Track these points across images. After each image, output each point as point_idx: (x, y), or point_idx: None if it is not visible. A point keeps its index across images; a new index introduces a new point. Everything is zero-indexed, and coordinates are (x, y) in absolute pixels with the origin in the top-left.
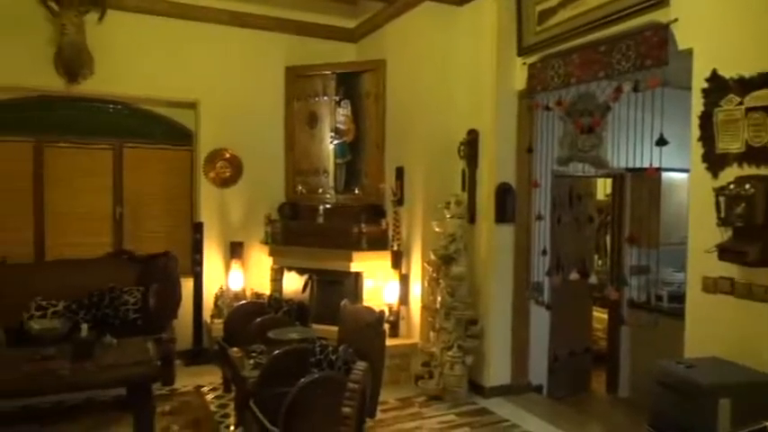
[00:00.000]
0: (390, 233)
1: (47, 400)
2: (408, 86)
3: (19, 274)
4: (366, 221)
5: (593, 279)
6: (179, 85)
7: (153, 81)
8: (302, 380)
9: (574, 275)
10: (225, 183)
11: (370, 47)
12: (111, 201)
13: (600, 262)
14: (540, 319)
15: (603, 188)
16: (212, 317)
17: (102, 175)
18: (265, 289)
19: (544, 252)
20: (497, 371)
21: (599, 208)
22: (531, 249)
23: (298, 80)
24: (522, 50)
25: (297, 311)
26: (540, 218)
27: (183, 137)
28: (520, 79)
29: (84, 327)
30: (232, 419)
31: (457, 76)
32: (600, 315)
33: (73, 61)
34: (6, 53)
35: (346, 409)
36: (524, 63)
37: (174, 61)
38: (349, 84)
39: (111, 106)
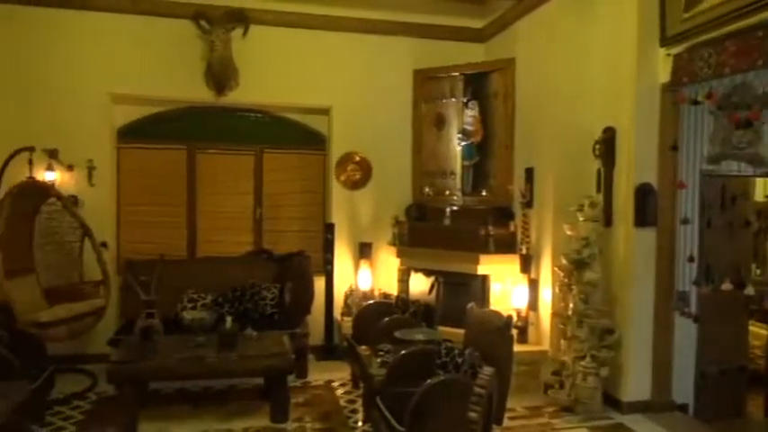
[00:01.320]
0: (519, 236)
1: (197, 384)
2: (539, 85)
3: (175, 270)
4: (494, 224)
5: (749, 290)
6: (314, 93)
7: (290, 89)
8: (428, 381)
9: (727, 285)
10: (355, 185)
11: (498, 46)
12: (252, 202)
13: (758, 271)
14: (685, 332)
15: (763, 189)
16: (342, 315)
17: (245, 178)
18: (392, 289)
19: (691, 259)
20: (636, 385)
21: (757, 210)
22: (676, 255)
23: (425, 82)
24: (666, 40)
25: (423, 313)
26: (686, 221)
27: (316, 141)
28: (663, 71)
29: (229, 319)
30: (360, 415)
31: (592, 72)
32: (758, 331)
33: (221, 74)
34: (166, 70)
35: (472, 414)
36: (668, 54)
37: (309, 70)
38: (477, 84)
39: (253, 115)
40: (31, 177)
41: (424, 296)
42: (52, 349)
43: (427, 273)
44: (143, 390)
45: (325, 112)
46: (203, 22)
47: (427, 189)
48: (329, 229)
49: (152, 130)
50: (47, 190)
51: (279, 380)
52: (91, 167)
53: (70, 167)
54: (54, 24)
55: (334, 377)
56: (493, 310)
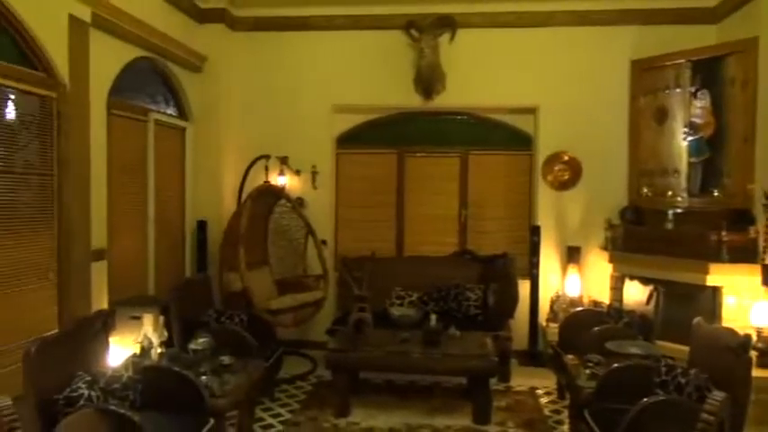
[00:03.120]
0: (761, 243)
1: (403, 378)
2: None
3: (384, 267)
4: (728, 228)
5: None
6: (520, 92)
7: (496, 90)
8: (645, 399)
9: None
10: (563, 186)
11: (735, 26)
12: (457, 204)
13: None
14: None
15: None
16: (547, 320)
17: (451, 180)
18: (603, 297)
19: None
20: None
21: None
22: None
23: (644, 73)
24: None
25: (639, 324)
26: None
27: (522, 142)
28: None
29: (433, 317)
30: (566, 427)
31: None
32: None
33: (429, 80)
34: (379, 80)
35: None
36: None
37: (515, 69)
38: (707, 71)
39: (459, 117)
40: (267, 182)
41: (641, 306)
42: (281, 334)
43: (644, 281)
44: (355, 377)
45: (531, 111)
46: (413, 31)
47: (645, 189)
48: (535, 231)
49: (366, 136)
50: (279, 193)
51: (481, 381)
52: (314, 172)
53: (297, 172)
54: (282, 46)
55: (537, 384)
56: (726, 328)
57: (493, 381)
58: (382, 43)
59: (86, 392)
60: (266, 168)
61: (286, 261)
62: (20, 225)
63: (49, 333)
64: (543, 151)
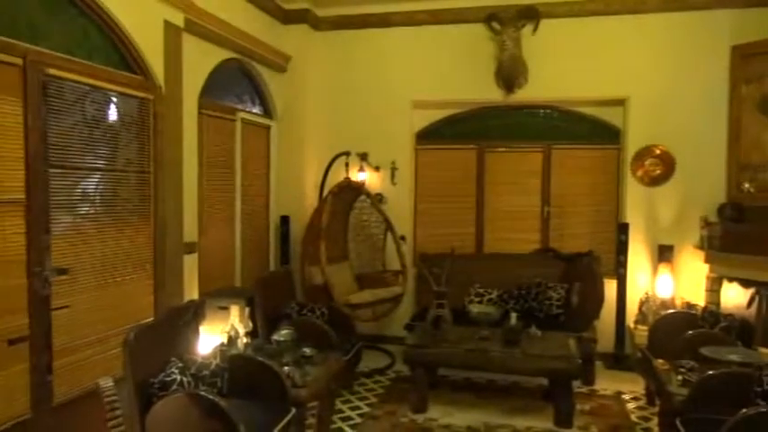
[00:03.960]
0: None
1: (481, 376)
2: None
3: (463, 264)
4: None
5: None
6: (607, 83)
7: (581, 82)
8: (744, 410)
9: None
10: (654, 181)
11: None
12: (539, 200)
13: None
14: None
15: None
16: (635, 322)
17: (532, 176)
18: (698, 299)
19: None
20: None
21: None
22: None
23: (747, 60)
24: None
25: (738, 330)
26: None
27: (609, 135)
28: None
29: (513, 316)
30: None
31: None
32: None
33: (510, 73)
34: (459, 74)
35: None
36: None
37: (602, 59)
38: None
39: (542, 111)
40: (347, 178)
41: (741, 310)
42: (360, 328)
43: (745, 283)
44: (433, 373)
45: (620, 103)
46: (495, 24)
47: (747, 185)
48: (623, 229)
49: (445, 131)
50: (359, 189)
51: (563, 383)
52: (393, 168)
53: (377, 169)
54: (363, 43)
55: (624, 389)
56: None
57: (576, 383)
58: (462, 37)
59: (179, 378)
60: (347, 165)
61: (365, 256)
62: (120, 219)
63: (145, 321)
64: (633, 145)
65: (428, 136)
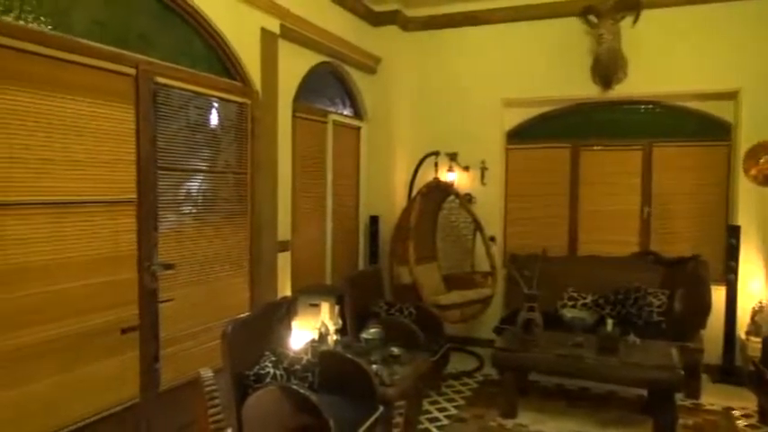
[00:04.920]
0: None
1: (574, 384)
2: None
3: (556, 266)
4: None
5: None
6: (716, 75)
7: (686, 74)
8: None
9: None
10: None
11: None
12: (638, 200)
13: None
14: None
15: None
16: (747, 333)
17: (631, 174)
18: None
19: None
20: None
21: None
22: None
23: None
24: None
25: None
26: None
27: (718, 131)
28: None
29: (610, 322)
30: None
31: None
32: None
33: (608, 68)
34: (552, 71)
35: None
36: None
37: (709, 49)
38: None
39: (642, 106)
40: (436, 178)
41: None
42: (448, 330)
43: None
44: (523, 378)
45: (730, 96)
46: (591, 17)
47: None
48: (733, 232)
49: (537, 130)
50: (448, 189)
51: (665, 395)
52: (483, 168)
53: (466, 168)
54: (452, 42)
55: (734, 404)
56: None
57: (679, 396)
58: (556, 32)
59: (272, 371)
60: (436, 165)
61: (454, 257)
62: (220, 218)
63: (242, 315)
64: (745, 141)
65: (519, 135)
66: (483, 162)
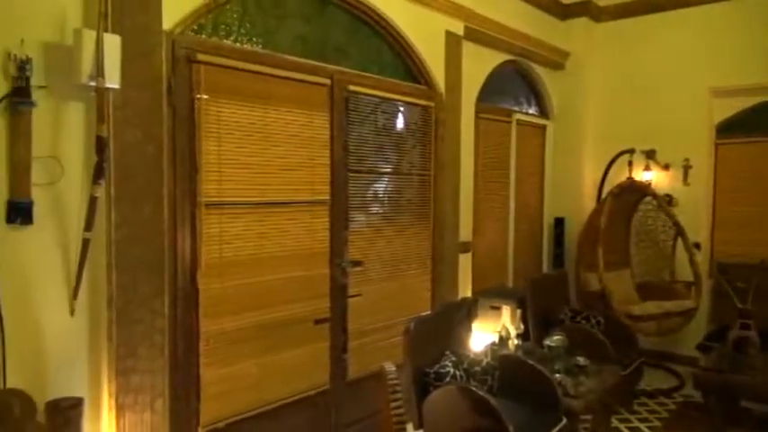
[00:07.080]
0: None
1: None
2: None
3: None
4: None
5: None
6: None
7: None
8: None
9: None
10: None
11: None
12: None
13: None
14: None
15: None
16: None
17: None
18: None
19: None
20: None
21: None
22: None
23: None
24: None
25: None
26: None
27: None
28: None
29: None
30: None
31: None
32: None
33: None
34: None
35: None
36: None
37: None
38: None
39: None
40: (630, 178)
41: None
42: (642, 342)
43: None
44: (732, 404)
45: None
46: None
47: None
48: None
49: (754, 121)
50: (644, 189)
51: None
52: (686, 166)
53: (666, 167)
54: (648, 30)
55: None
56: None
57: None
58: None
59: (452, 371)
60: (630, 163)
61: (650, 264)
62: (404, 218)
63: (423, 313)
64: None
65: (732, 128)
66: (686, 160)
